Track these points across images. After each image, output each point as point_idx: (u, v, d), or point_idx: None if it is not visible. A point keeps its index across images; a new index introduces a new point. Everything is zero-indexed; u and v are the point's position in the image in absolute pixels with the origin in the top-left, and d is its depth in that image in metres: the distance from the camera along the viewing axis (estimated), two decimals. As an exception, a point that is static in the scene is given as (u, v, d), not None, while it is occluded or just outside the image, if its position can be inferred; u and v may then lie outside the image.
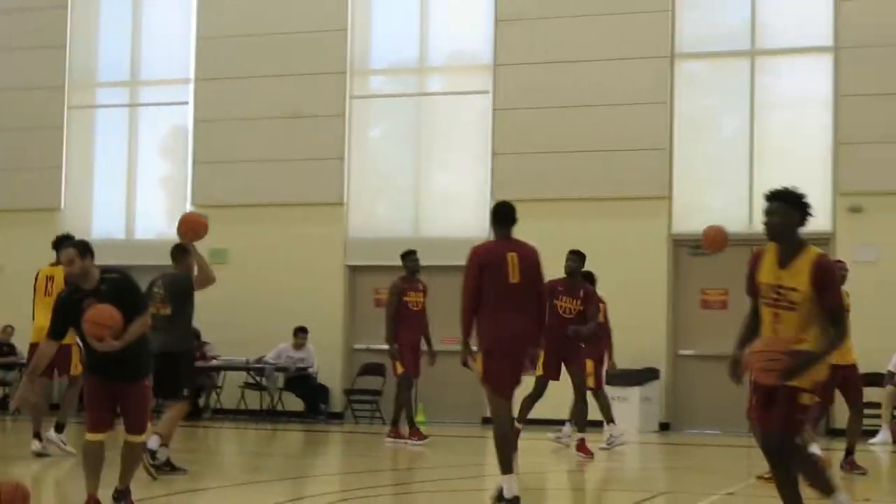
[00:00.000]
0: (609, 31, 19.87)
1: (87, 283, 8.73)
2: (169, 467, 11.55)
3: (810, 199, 7.67)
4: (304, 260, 20.70)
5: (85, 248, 8.82)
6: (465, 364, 9.81)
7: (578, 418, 14.67)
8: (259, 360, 20.04)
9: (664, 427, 19.02)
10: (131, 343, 8.57)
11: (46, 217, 22.02)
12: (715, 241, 12.96)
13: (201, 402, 20.60)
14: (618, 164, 19.55)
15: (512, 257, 9.62)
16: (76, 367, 13.21)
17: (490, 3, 20.55)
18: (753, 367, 7.18)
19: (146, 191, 22.35)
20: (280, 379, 20.17)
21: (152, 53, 22.45)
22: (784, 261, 7.31)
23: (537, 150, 19.96)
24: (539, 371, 14.70)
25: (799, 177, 18.98)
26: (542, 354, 14.63)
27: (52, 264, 13.23)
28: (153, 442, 11.27)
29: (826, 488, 7.44)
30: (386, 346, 16.39)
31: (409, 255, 16.20)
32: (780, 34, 19.64)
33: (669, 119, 19.61)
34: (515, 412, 11.24)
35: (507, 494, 9.25)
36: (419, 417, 17.18)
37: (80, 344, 9.21)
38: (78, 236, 22.53)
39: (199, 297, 12.13)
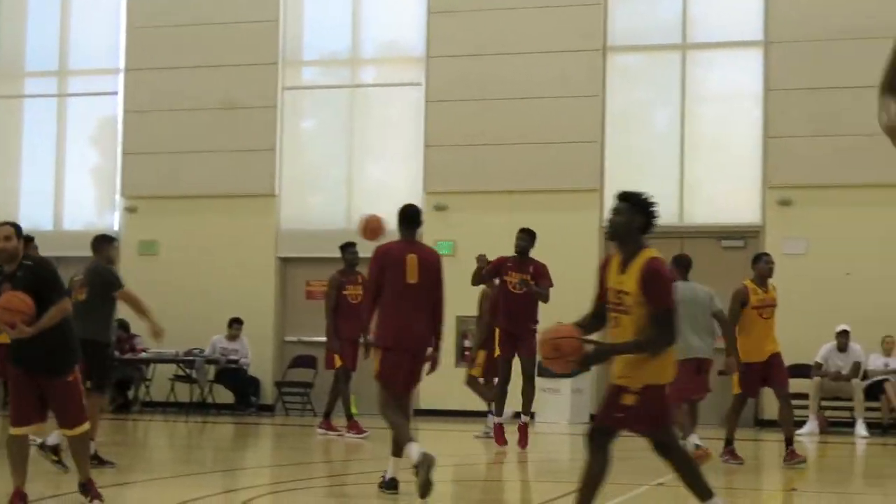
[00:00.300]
0: (542, 23, 19.92)
1: (9, 266, 8.67)
2: (97, 461, 11.43)
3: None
4: (236, 252, 20.58)
5: (20, 230, 8.81)
6: (366, 348, 10.35)
7: (525, 402, 14.49)
8: (189, 353, 19.91)
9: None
10: (46, 329, 8.48)
11: (-28, 207, 21.77)
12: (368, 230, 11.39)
13: (130, 394, 20.44)
14: (550, 156, 19.60)
15: (412, 258, 10.01)
16: None
17: (422, -5, 20.57)
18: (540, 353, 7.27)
19: (75, 181, 22.13)
20: (210, 371, 20.05)
21: (81, 43, 22.21)
22: (624, 265, 7.29)
23: (470, 143, 19.97)
24: (496, 351, 14.68)
25: (729, 170, 19.34)
26: (497, 333, 14.59)
27: None
28: (52, 438, 11.02)
29: (702, 492, 7.48)
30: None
31: (347, 248, 16.08)
32: (711, 28, 19.78)
33: (602, 112, 19.70)
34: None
35: (415, 458, 9.25)
36: (352, 410, 17.11)
37: None
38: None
39: (131, 286, 11.99)
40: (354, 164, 20.91)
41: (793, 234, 18.56)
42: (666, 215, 20.63)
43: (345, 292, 15.78)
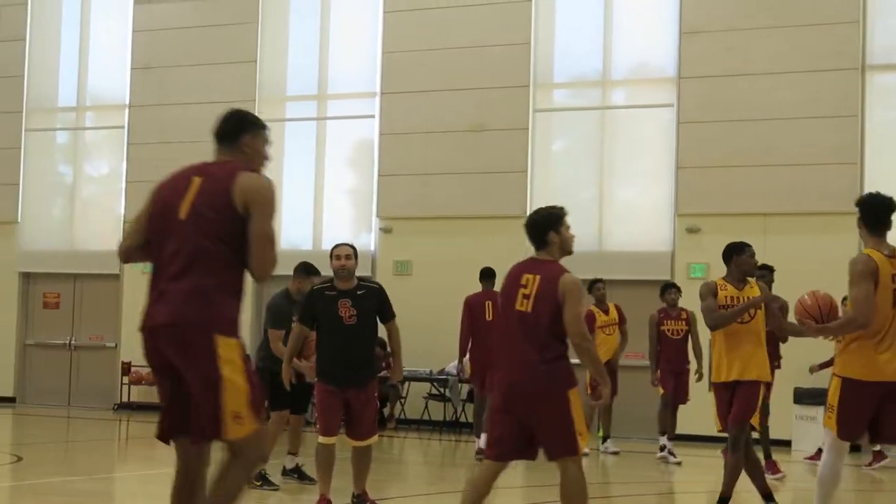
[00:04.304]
0: (796, 42, 19.55)
1: (346, 285, 9.79)
2: (297, 475, 12.12)
3: None
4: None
5: (356, 251, 10.17)
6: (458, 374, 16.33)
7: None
8: (442, 372, 20.19)
9: (855, 448, 18.54)
10: (355, 346, 9.64)
11: (238, 228, 22.54)
12: None
13: (386, 411, 20.77)
14: (805, 178, 19.20)
15: (489, 304, 15.34)
16: None
17: (674, 16, 20.39)
18: None
19: (333, 202, 22.71)
20: (463, 390, 20.27)
21: (339, 68, 22.82)
22: None
23: (722, 164, 19.74)
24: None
25: None
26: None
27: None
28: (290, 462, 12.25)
29: None
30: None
31: (668, 289, 16.82)
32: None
33: (860, 132, 19.18)
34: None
35: None
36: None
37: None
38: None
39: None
40: (605, 185, 20.88)
41: None
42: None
43: (663, 328, 16.51)
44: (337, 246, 10.16)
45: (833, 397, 8.30)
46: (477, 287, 16.40)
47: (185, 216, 5.82)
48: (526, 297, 7.82)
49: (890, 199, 8.47)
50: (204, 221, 5.77)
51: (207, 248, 5.73)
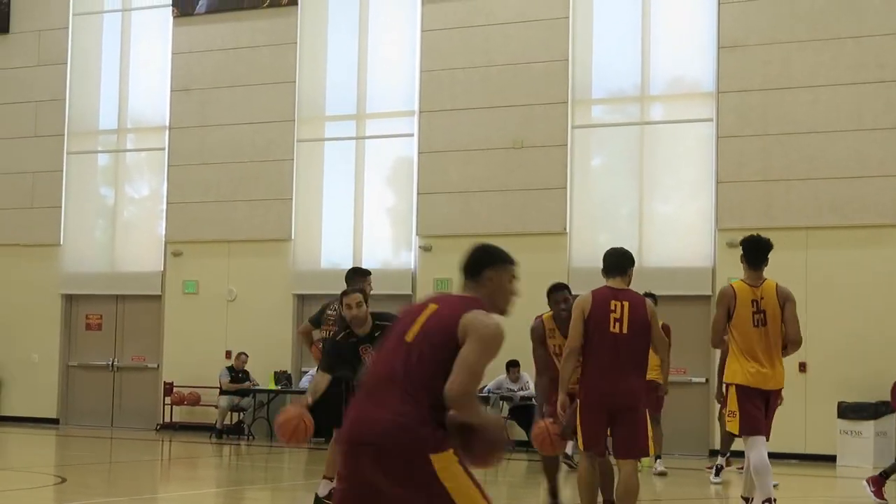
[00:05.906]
0: (836, 55, 19.45)
1: (363, 330, 9.58)
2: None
3: None
4: (527, 290, 20.68)
5: (366, 296, 9.82)
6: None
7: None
8: (481, 391, 20.17)
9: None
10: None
11: (277, 247, 22.64)
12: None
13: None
14: (847, 191, 19.08)
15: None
16: None
17: (712, 30, 20.34)
18: None
19: (373, 221, 22.74)
20: (505, 408, 20.25)
21: (378, 87, 22.87)
22: None
23: (762, 178, 19.65)
24: None
25: None
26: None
27: None
28: (323, 489, 10.95)
29: None
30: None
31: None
32: None
33: (905, 145, 19.05)
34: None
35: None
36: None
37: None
38: (307, 266, 23.09)
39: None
40: (644, 201, 20.81)
41: None
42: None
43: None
44: (346, 294, 9.93)
45: (732, 403, 9.80)
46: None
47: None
48: (618, 320, 9.09)
49: (761, 240, 10.10)
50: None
51: None
